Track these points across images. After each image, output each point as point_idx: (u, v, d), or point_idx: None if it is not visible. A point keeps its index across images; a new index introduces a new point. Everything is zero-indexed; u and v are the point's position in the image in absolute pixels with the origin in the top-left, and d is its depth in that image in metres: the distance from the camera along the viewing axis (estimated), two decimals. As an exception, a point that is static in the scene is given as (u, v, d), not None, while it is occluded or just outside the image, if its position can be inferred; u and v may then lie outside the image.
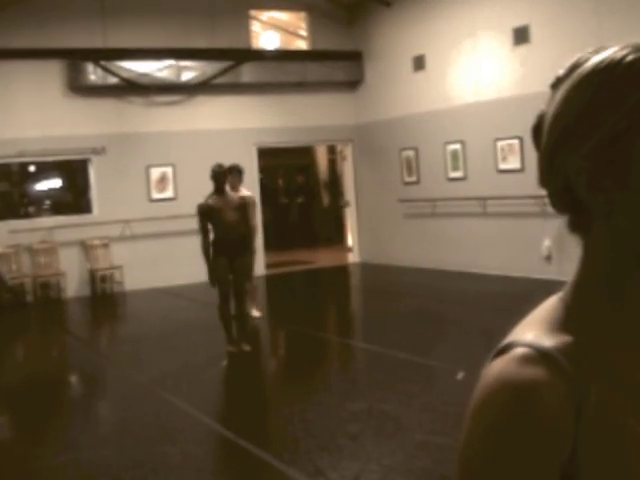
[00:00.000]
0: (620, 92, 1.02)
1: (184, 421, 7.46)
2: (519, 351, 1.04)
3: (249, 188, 17.15)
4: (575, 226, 1.09)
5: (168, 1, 16.46)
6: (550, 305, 1.11)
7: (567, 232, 1.10)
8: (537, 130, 1.13)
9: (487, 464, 1.02)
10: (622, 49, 1.05)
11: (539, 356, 1.02)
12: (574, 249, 1.13)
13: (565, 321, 1.06)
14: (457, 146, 15.53)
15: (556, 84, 1.11)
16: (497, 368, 1.04)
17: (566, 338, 1.04)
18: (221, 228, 9.77)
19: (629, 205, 1.03)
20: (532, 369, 1.01)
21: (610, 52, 1.06)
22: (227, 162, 16.80)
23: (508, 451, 1.01)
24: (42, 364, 10.64)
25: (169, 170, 16.55)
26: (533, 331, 1.06)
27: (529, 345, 1.04)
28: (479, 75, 14.89)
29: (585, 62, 1.08)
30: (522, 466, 1.01)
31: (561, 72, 1.11)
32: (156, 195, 16.46)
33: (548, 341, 1.04)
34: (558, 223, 1.24)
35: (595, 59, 1.06)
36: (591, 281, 1.08)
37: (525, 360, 1.02)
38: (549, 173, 1.10)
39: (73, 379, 10.25)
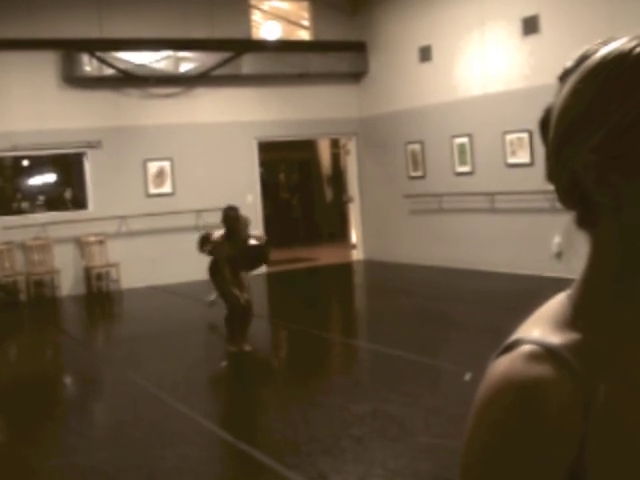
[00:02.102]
0: (628, 85, 1.03)
1: (182, 424, 7.47)
2: (525, 348, 1.04)
3: (249, 183, 17.19)
4: (583, 222, 1.10)
5: (166, -10, 16.48)
6: (557, 302, 1.11)
7: (575, 228, 1.11)
8: (544, 124, 1.13)
9: (491, 464, 1.02)
10: (631, 40, 1.06)
11: (546, 353, 1.03)
12: (584, 245, 1.13)
13: (573, 318, 1.07)
14: (464, 140, 15.53)
15: (564, 76, 1.11)
16: (502, 366, 1.05)
17: (574, 335, 1.05)
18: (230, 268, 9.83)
19: (637, 200, 1.03)
20: (539, 367, 1.02)
21: (619, 43, 1.06)
22: (227, 157, 16.89)
23: (513, 451, 1.01)
24: (36, 365, 10.65)
25: (167, 164, 16.55)
26: (540, 328, 1.07)
27: (536, 342, 1.04)
28: (487, 66, 14.88)
29: (593, 54, 1.08)
30: (527, 466, 1.01)
31: (569, 64, 1.11)
32: (153, 190, 16.47)
33: (555, 338, 1.04)
34: (567, 219, 1.25)
35: (603, 51, 1.07)
36: (599, 278, 1.08)
37: (532, 357, 1.03)
38: (556, 168, 1.10)
39: (68, 380, 10.26)
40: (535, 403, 1.00)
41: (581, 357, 1.02)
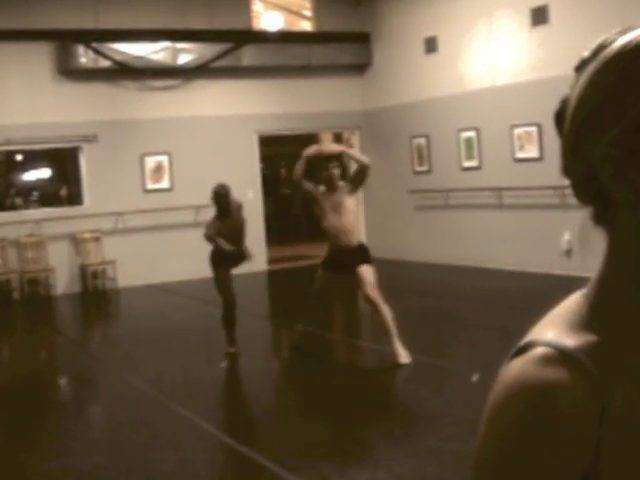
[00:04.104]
0: None
1: (181, 426, 7.47)
2: (539, 351, 1.03)
3: (250, 178, 17.18)
4: (600, 218, 1.09)
5: (164, -21, 16.47)
6: (572, 302, 1.10)
7: (591, 224, 1.10)
8: (560, 116, 1.12)
9: (504, 470, 1.02)
10: None
11: (560, 356, 1.02)
12: (598, 243, 1.12)
13: (588, 319, 1.06)
14: (471, 133, 15.52)
15: (581, 67, 1.10)
16: (515, 369, 1.04)
17: (589, 337, 1.04)
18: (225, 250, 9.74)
19: None
20: (553, 370, 1.01)
21: (637, 33, 1.05)
22: (226, 151, 16.88)
23: (526, 457, 1.00)
24: (30, 365, 10.65)
25: (165, 159, 16.55)
26: (554, 330, 1.06)
27: (550, 344, 1.03)
28: (495, 58, 14.87)
29: (611, 44, 1.07)
30: (541, 473, 1.01)
31: (586, 54, 1.10)
32: (151, 186, 16.46)
33: (570, 340, 1.03)
34: (579, 215, 1.24)
35: (622, 40, 1.06)
36: (616, 277, 1.07)
37: (545, 360, 1.02)
38: (572, 162, 1.09)
39: (63, 381, 10.26)
40: (549, 408, 1.00)
41: (596, 360, 1.01)
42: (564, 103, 1.12)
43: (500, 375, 1.06)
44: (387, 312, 8.97)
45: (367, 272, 9.24)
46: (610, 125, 1.04)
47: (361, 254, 9.46)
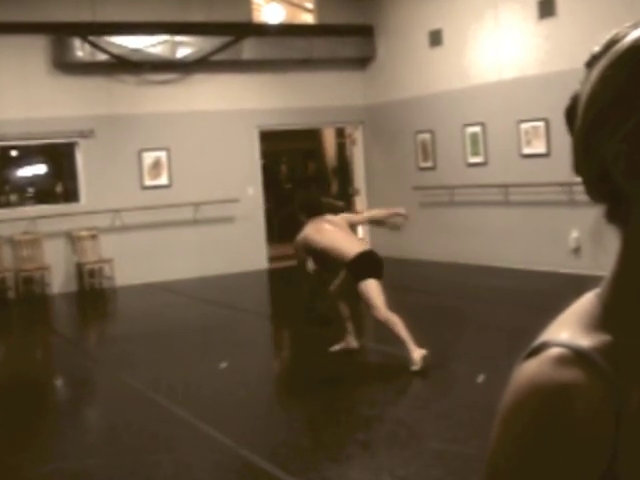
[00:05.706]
0: None
1: (179, 428, 7.47)
2: (554, 351, 1.03)
3: (250, 174, 17.18)
4: (613, 216, 1.09)
5: (162, -29, 16.46)
6: (586, 303, 1.10)
7: (603, 222, 1.10)
8: (571, 112, 1.12)
9: (519, 473, 1.02)
10: None
11: (576, 357, 1.02)
12: (610, 241, 1.12)
13: (603, 319, 1.06)
14: (477, 129, 15.51)
15: (591, 62, 1.10)
16: (529, 370, 1.04)
17: (604, 338, 1.04)
18: None
19: None
20: (568, 371, 1.01)
21: None
22: (226, 147, 16.88)
23: (542, 459, 1.00)
24: (26, 366, 10.65)
25: (163, 155, 16.54)
26: (568, 330, 1.06)
27: (565, 345, 1.03)
28: (501, 51, 14.86)
29: (623, 38, 1.07)
30: (557, 475, 1.01)
31: (597, 49, 1.10)
32: (149, 182, 16.46)
33: (585, 341, 1.03)
34: (588, 212, 1.25)
35: (633, 35, 1.06)
36: (630, 276, 1.07)
37: (560, 361, 1.02)
38: (584, 159, 1.09)
39: (59, 382, 10.26)
40: (564, 410, 1.00)
41: (612, 360, 1.01)
42: (574, 99, 1.12)
43: (513, 376, 1.06)
44: (397, 323, 8.90)
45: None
46: (622, 121, 1.04)
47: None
